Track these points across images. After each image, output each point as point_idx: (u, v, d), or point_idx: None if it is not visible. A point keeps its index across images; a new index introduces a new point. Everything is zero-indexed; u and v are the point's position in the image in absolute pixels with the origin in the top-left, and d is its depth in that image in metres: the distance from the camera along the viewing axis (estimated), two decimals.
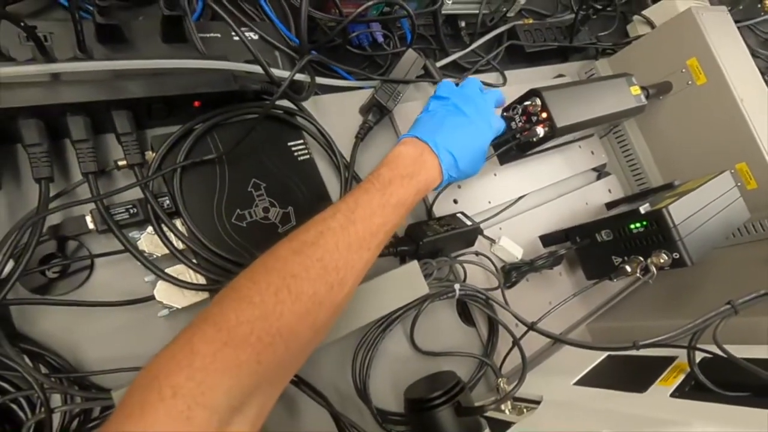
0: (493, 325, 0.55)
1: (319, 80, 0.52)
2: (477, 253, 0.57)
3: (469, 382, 0.52)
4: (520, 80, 0.75)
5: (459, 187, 0.60)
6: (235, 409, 0.26)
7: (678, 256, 0.49)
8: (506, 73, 0.74)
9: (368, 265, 0.37)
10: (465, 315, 0.56)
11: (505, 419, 0.45)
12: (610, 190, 0.78)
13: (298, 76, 0.49)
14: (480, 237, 0.58)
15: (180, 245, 0.40)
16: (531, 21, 0.81)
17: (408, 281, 0.48)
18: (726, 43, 0.74)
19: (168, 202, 0.40)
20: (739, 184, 0.71)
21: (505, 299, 0.54)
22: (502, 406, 0.47)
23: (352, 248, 0.34)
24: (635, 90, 0.67)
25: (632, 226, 0.53)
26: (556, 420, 0.40)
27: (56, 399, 0.35)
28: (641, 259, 0.52)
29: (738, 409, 0.35)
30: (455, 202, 0.59)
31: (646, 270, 0.51)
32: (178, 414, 0.24)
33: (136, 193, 0.40)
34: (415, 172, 0.41)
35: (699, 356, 0.41)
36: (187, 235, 0.40)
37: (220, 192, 0.43)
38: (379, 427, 0.46)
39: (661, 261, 0.50)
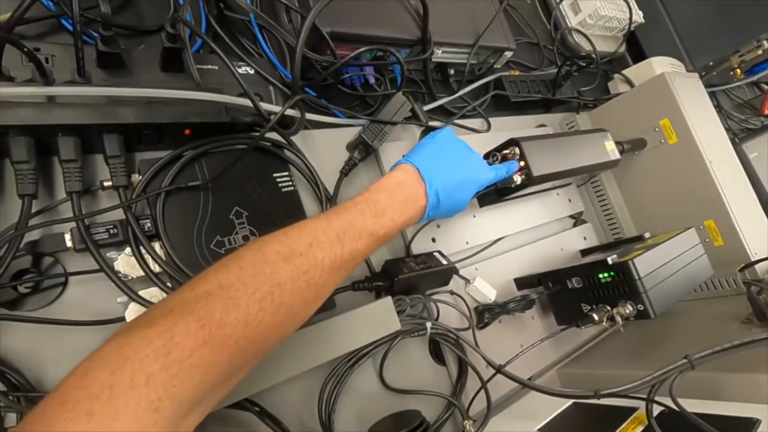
0: (462, 365, 0.55)
1: (309, 116, 0.54)
2: (452, 293, 0.58)
3: (435, 422, 0.52)
4: (504, 127, 0.79)
5: (438, 226, 0.62)
6: (196, 403, 0.27)
7: (642, 308, 0.51)
8: (491, 119, 0.78)
9: (339, 283, 0.37)
10: (436, 354, 0.57)
11: None
12: (585, 238, 0.80)
13: (289, 111, 0.51)
14: (455, 276, 0.60)
15: (156, 268, 0.40)
16: (517, 73, 0.86)
17: (380, 317, 0.49)
18: (696, 107, 0.79)
19: (149, 224, 0.41)
20: (707, 240, 0.74)
21: (475, 340, 0.55)
22: None
23: (334, 267, 0.35)
24: (610, 145, 0.71)
25: (600, 276, 0.55)
26: None
27: (11, 418, 0.34)
28: (608, 308, 0.54)
29: None
30: (433, 240, 0.61)
31: (612, 319, 0.53)
32: (148, 403, 0.24)
33: (118, 214, 0.40)
34: (407, 210, 0.42)
35: (657, 410, 0.42)
36: (164, 258, 0.41)
37: (202, 218, 0.44)
38: None
39: (626, 311, 0.52)
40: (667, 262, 0.56)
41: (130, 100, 0.40)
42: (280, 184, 0.50)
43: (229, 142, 0.46)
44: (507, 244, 0.70)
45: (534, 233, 0.74)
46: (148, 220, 0.41)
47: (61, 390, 0.24)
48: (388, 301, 0.50)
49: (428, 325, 0.51)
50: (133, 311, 0.39)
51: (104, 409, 0.22)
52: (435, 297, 0.55)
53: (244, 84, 0.43)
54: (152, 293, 0.40)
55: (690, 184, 0.76)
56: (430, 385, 0.54)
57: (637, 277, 0.51)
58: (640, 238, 0.69)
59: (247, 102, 0.45)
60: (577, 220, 0.82)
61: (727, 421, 0.39)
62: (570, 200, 0.81)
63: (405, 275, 0.51)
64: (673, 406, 0.40)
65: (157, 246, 0.41)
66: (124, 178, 0.40)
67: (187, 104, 0.43)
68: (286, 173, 0.50)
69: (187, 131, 0.44)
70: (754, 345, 0.43)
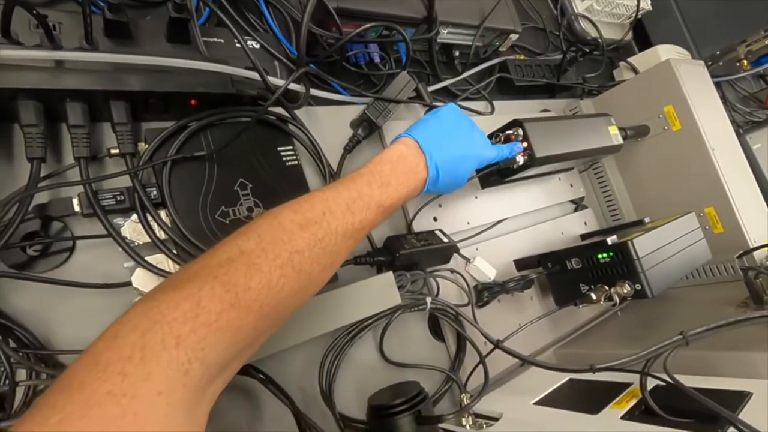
0: (461, 341, 0.56)
1: (314, 92, 0.54)
2: (452, 271, 0.58)
3: (434, 395, 0.53)
4: (507, 111, 0.79)
5: (440, 206, 0.63)
6: (223, 367, 0.28)
7: (640, 288, 0.52)
8: (495, 103, 0.78)
9: (349, 253, 0.38)
10: (436, 330, 0.58)
11: None
12: (585, 223, 0.81)
13: (294, 86, 0.51)
14: (456, 255, 0.60)
15: (162, 235, 0.41)
16: (522, 57, 0.86)
17: (381, 291, 0.50)
18: (701, 94, 0.78)
19: (155, 193, 0.42)
20: (707, 227, 0.75)
21: (474, 317, 0.56)
22: (463, 421, 0.49)
23: (347, 236, 0.35)
24: (613, 129, 0.71)
25: (600, 256, 0.55)
26: None
27: (21, 374, 0.35)
28: (606, 288, 0.54)
29: None
30: (435, 219, 0.62)
31: (610, 299, 0.53)
32: (178, 365, 0.24)
33: (125, 182, 0.41)
34: (409, 182, 0.42)
35: (652, 384, 0.43)
36: (170, 226, 0.42)
37: (207, 188, 0.44)
38: None
39: (624, 291, 0.52)
40: (665, 244, 0.57)
41: (137, 67, 0.40)
42: (284, 158, 0.50)
43: (235, 114, 0.46)
44: (508, 226, 0.70)
45: (535, 216, 0.75)
46: (155, 188, 0.42)
47: (92, 352, 0.24)
48: (389, 275, 0.51)
49: (428, 300, 0.52)
50: (139, 276, 0.39)
51: (137, 369, 0.23)
52: (435, 274, 0.56)
53: (252, 55, 0.44)
54: (158, 259, 0.41)
55: (692, 172, 0.76)
56: (429, 360, 0.55)
57: (635, 257, 0.52)
58: (640, 223, 0.70)
59: (252, 74, 0.46)
60: (578, 205, 0.82)
61: (718, 394, 0.40)
62: (572, 185, 0.81)
63: (406, 251, 0.51)
64: (668, 380, 0.40)
65: (163, 214, 0.42)
66: (130, 146, 0.40)
67: (193, 74, 0.43)
68: (291, 147, 0.51)
69: (193, 102, 0.44)
70: (749, 323, 0.44)
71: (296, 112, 0.53)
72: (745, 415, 0.36)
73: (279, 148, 0.50)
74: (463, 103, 0.74)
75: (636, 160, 0.83)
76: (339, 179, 0.40)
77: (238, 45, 0.50)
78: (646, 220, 0.70)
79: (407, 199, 0.44)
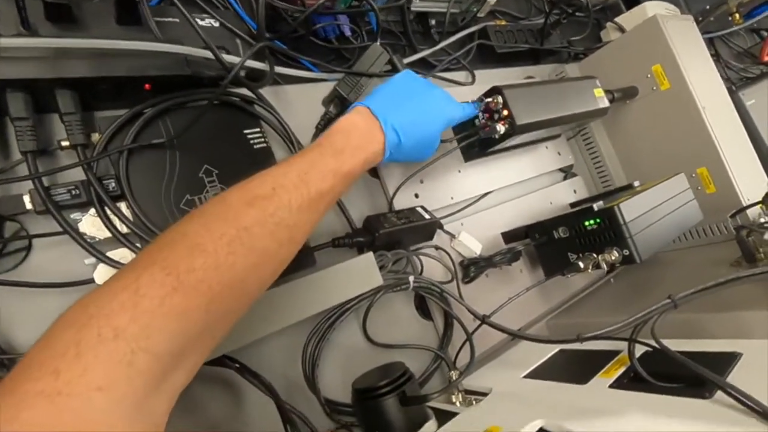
0: (448, 318, 0.55)
1: (280, 70, 0.52)
2: (436, 248, 0.57)
3: (422, 375, 0.52)
4: (489, 80, 0.76)
5: (421, 182, 0.61)
6: (177, 356, 0.26)
7: (628, 253, 0.50)
8: (476, 72, 0.75)
9: (313, 227, 0.37)
10: (423, 309, 0.57)
11: (453, 410, 0.45)
12: (575, 191, 0.79)
13: (256, 64, 0.49)
14: (440, 231, 0.59)
15: (124, 229, 0.39)
16: (503, 22, 0.82)
17: (362, 272, 0.48)
18: (690, 51, 0.75)
19: (114, 184, 0.40)
20: (699, 187, 0.73)
21: (460, 293, 0.54)
22: (453, 398, 0.48)
23: (303, 209, 0.34)
24: (599, 92, 0.68)
25: (587, 223, 0.54)
26: (498, 410, 0.41)
27: None
28: (594, 255, 0.53)
29: (671, 398, 0.35)
30: (416, 196, 0.60)
31: (598, 266, 0.52)
32: (119, 357, 0.23)
33: (80, 175, 0.39)
34: (364, 145, 0.41)
35: (640, 351, 0.42)
36: (131, 219, 0.40)
37: (170, 177, 0.42)
38: (327, 418, 0.45)
39: (612, 258, 0.51)
40: (654, 207, 0.55)
41: (81, 52, 0.38)
42: (251, 141, 0.48)
43: (193, 97, 0.44)
44: (494, 198, 0.68)
45: (522, 187, 0.73)
46: (113, 180, 0.40)
47: (28, 355, 0.23)
48: (369, 256, 0.49)
49: (411, 279, 0.50)
50: (101, 273, 0.38)
51: (71, 366, 0.22)
52: (418, 252, 0.54)
53: (201, 32, 0.41)
54: (121, 254, 0.39)
55: (682, 132, 0.74)
56: (417, 340, 0.54)
57: (622, 222, 0.50)
58: (629, 187, 0.68)
59: (208, 54, 0.43)
60: (567, 173, 0.80)
61: (708, 357, 0.39)
62: (559, 153, 0.79)
63: (386, 230, 0.50)
64: (656, 346, 0.39)
65: (123, 206, 0.40)
66: (81, 137, 0.38)
67: (144, 56, 0.40)
68: (258, 129, 0.49)
69: (147, 86, 0.42)
70: (740, 282, 0.43)
71: (262, 92, 0.51)
72: (734, 376, 0.35)
73: (245, 131, 0.48)
74: (442, 74, 0.71)
75: (625, 124, 0.80)
76: (294, 154, 0.39)
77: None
78: (636, 184, 0.68)
79: (369, 164, 0.43)
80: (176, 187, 0.42)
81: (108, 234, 0.39)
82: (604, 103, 0.68)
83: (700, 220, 0.63)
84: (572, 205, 0.76)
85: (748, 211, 0.70)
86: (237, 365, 0.40)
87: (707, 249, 0.72)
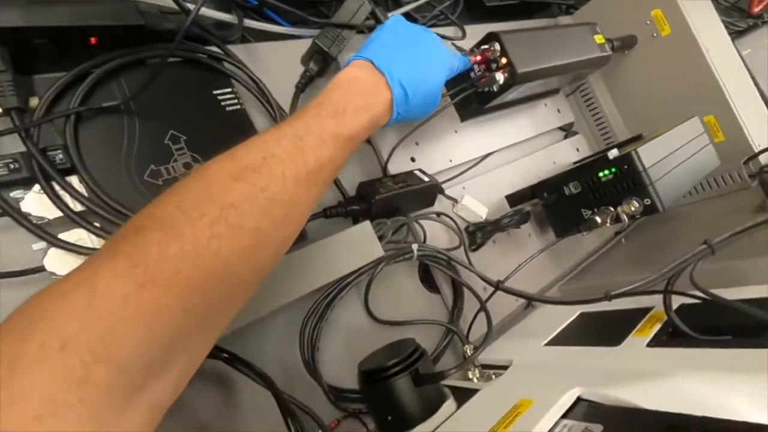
0: (457, 288, 0.50)
1: (251, 24, 0.46)
2: (438, 214, 0.52)
3: (434, 352, 0.48)
4: (480, 35, 0.70)
5: (417, 144, 0.55)
6: (152, 366, 0.21)
7: (649, 202, 0.46)
8: (466, 28, 0.69)
9: (315, 202, 0.32)
10: (428, 281, 0.52)
11: (471, 387, 0.40)
12: (578, 149, 0.75)
13: (223, 16, 0.43)
14: (441, 197, 0.54)
15: (78, 206, 0.34)
16: None
17: (360, 243, 0.43)
18: None
19: (61, 156, 0.34)
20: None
21: (469, 259, 0.50)
22: (469, 374, 0.43)
23: (300, 181, 0.29)
24: (599, 39, 0.63)
25: (601, 174, 0.49)
26: (525, 382, 0.36)
27: None
28: (611, 209, 0.49)
29: (719, 351, 0.31)
30: (413, 160, 0.54)
31: (617, 219, 0.48)
32: (68, 371, 0.18)
33: (20, 146, 0.33)
34: (370, 105, 0.36)
35: (676, 304, 0.38)
36: (86, 194, 0.34)
37: (129, 145, 0.37)
38: (333, 406, 0.41)
39: (632, 209, 0.46)
40: (672, 152, 0.51)
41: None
42: (222, 103, 0.42)
43: (144, 54, 0.38)
44: (495, 160, 0.64)
45: (523, 148, 0.68)
46: (60, 151, 0.34)
47: None
48: (366, 225, 0.44)
49: (414, 247, 0.45)
50: (53, 258, 0.32)
51: (4, 389, 0.17)
52: (420, 218, 0.49)
53: None
54: (77, 236, 0.33)
55: (686, 79, 0.70)
56: (425, 314, 0.49)
57: (641, 169, 0.46)
58: (638, 138, 0.63)
59: (164, 1, 0.37)
60: (568, 131, 0.76)
61: (755, 303, 0.34)
62: (559, 111, 0.74)
63: (383, 195, 0.45)
64: (696, 295, 0.35)
65: (75, 180, 0.34)
66: (14, 99, 0.32)
67: (87, 4, 0.34)
68: (230, 90, 0.43)
69: (93, 40, 0.36)
70: None
71: (235, 51, 0.45)
72: None
73: (215, 92, 0.42)
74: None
75: (625, 76, 0.76)
76: (285, 118, 0.33)
77: None
78: (644, 134, 0.64)
79: (375, 127, 0.37)
80: (138, 156, 0.37)
81: (59, 213, 0.33)
82: (606, 50, 0.63)
83: (717, 166, 0.59)
84: (576, 164, 0.72)
85: (760, 157, 0.66)
86: (225, 355, 0.35)
87: (721, 200, 0.68)
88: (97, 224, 0.34)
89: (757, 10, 1.33)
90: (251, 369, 0.36)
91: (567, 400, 0.30)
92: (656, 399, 0.27)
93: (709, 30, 0.71)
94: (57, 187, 0.33)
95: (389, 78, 0.37)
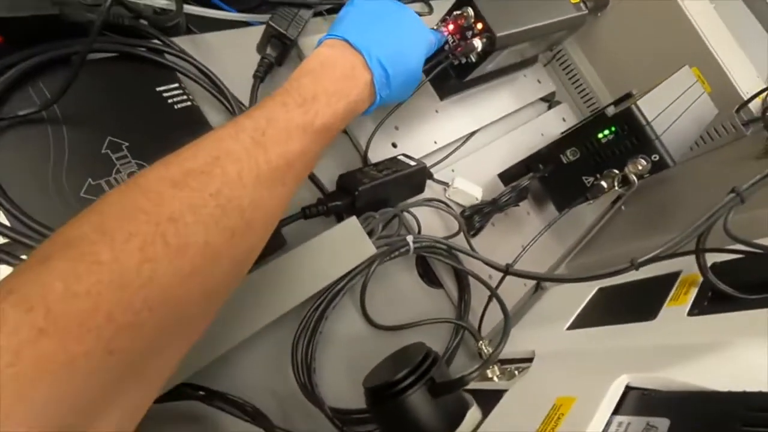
0: (461, 279, 0.45)
1: (191, 10, 0.40)
2: (431, 200, 0.47)
3: (445, 353, 0.43)
4: (447, 8, 0.66)
5: (396, 128, 0.50)
6: (68, 427, 0.16)
7: (657, 158, 0.42)
8: (432, 3, 0.65)
9: (283, 205, 0.27)
10: (428, 276, 0.47)
11: (494, 388, 0.35)
12: (564, 119, 0.71)
13: (160, 3, 0.37)
14: (431, 183, 0.49)
15: None
16: None
17: (348, 242, 0.38)
18: None
19: None
20: None
21: (470, 244, 0.45)
22: (489, 373, 0.38)
23: (262, 181, 0.25)
24: None
25: (600, 135, 0.45)
26: (557, 376, 0.32)
27: None
28: (616, 171, 0.45)
29: None
30: (394, 146, 0.49)
31: (624, 182, 0.44)
32: None
33: None
34: (346, 90, 0.31)
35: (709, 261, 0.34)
36: (8, 224, 0.28)
37: (58, 159, 0.30)
38: None
39: (640, 168, 0.43)
40: (671, 104, 0.47)
41: None
42: (169, 100, 0.36)
43: (60, 50, 0.32)
44: (481, 138, 0.59)
45: (508, 123, 0.64)
46: None
47: None
48: (353, 221, 0.39)
49: (410, 239, 0.40)
50: None
51: None
52: (411, 207, 0.44)
53: None
54: (2, 273, 0.27)
55: (664, 33, 0.67)
56: (429, 313, 0.44)
57: (645, 123, 0.42)
58: (628, 96, 0.60)
59: None
60: (551, 101, 0.72)
61: None
62: (539, 81, 0.70)
63: (367, 186, 0.39)
64: (734, 248, 0.31)
65: None
66: None
67: None
68: (176, 84, 0.37)
69: None
70: None
71: (179, 43, 0.39)
72: None
73: (159, 89, 0.36)
74: None
75: (601, 38, 0.73)
76: (244, 111, 0.28)
77: None
78: (634, 91, 0.60)
79: (353, 113, 0.32)
80: (70, 170, 0.30)
81: None
82: (581, 9, 0.60)
83: (716, 114, 0.56)
84: (564, 133, 0.68)
85: (750, 105, 0.64)
86: (201, 393, 0.29)
87: (717, 153, 0.66)
88: (24, 257, 0.27)
89: None
90: (234, 405, 0.30)
91: (615, 392, 0.25)
92: (725, 378, 0.22)
93: None
94: None
95: (367, 57, 0.33)
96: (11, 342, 0.15)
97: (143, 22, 0.37)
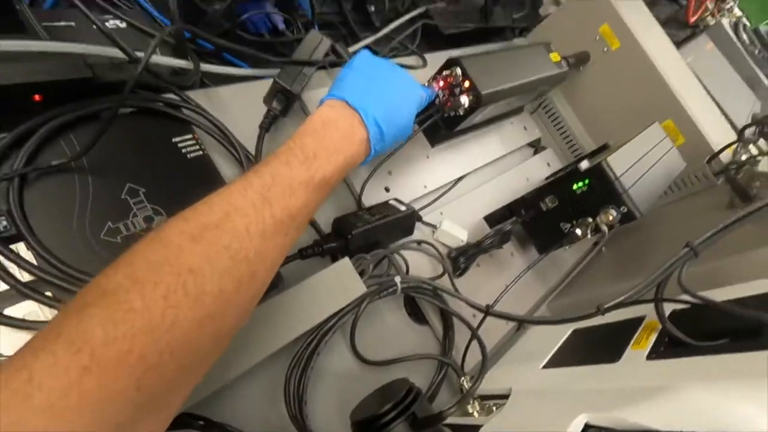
0: (447, 318, 0.48)
1: (207, 68, 0.45)
2: (419, 242, 0.51)
3: (429, 388, 0.45)
4: (441, 62, 0.72)
5: (389, 173, 0.55)
6: None
7: (626, 210, 0.46)
8: (426, 56, 0.70)
9: (284, 253, 0.30)
10: (416, 314, 0.50)
11: (473, 423, 0.38)
12: (549, 164, 0.75)
13: (177, 62, 0.42)
14: (420, 225, 0.53)
15: (26, 276, 0.31)
16: (443, 4, 0.79)
17: (340, 282, 0.41)
18: (631, 6, 0.75)
19: (5, 223, 0.31)
20: None
21: (454, 285, 0.48)
22: (469, 408, 0.41)
23: (267, 234, 0.28)
24: (555, 57, 0.66)
25: (575, 187, 0.49)
26: (528, 412, 0.34)
27: None
28: (590, 220, 0.48)
29: (721, 357, 0.30)
30: (387, 190, 0.53)
31: (596, 230, 0.47)
32: None
33: None
34: (345, 147, 0.35)
35: (668, 310, 0.37)
36: (35, 262, 0.31)
37: (82, 204, 0.34)
38: None
39: (610, 218, 0.46)
40: (640, 159, 0.51)
41: None
42: (183, 150, 0.40)
43: (92, 108, 0.36)
44: (469, 182, 0.63)
45: (495, 168, 0.68)
46: (3, 217, 0.31)
47: None
48: (345, 262, 0.42)
49: (397, 280, 0.43)
50: (1, 337, 0.29)
51: None
52: (400, 249, 0.48)
53: (101, 25, 0.34)
54: (27, 309, 0.30)
55: (640, 88, 0.73)
56: (416, 349, 0.47)
57: (614, 178, 0.46)
58: (604, 147, 0.64)
59: (111, 50, 0.35)
60: (537, 147, 0.77)
61: (747, 302, 0.34)
62: (525, 128, 0.75)
63: (360, 229, 0.43)
64: (687, 299, 0.34)
65: (22, 248, 0.31)
66: None
67: (29, 61, 0.32)
68: (190, 136, 0.41)
69: (36, 97, 0.34)
70: (756, 216, 0.39)
71: (194, 97, 0.44)
72: None
73: (175, 140, 0.40)
74: (392, 60, 0.66)
75: (583, 90, 0.78)
76: (251, 167, 0.32)
77: (95, 27, 0.40)
78: (610, 143, 0.65)
79: (349, 168, 0.36)
80: (92, 214, 0.34)
81: (4, 286, 0.30)
82: (562, 66, 0.66)
83: (684, 167, 0.60)
84: (548, 178, 0.72)
85: (722, 156, 0.68)
86: (201, 422, 0.32)
87: (690, 201, 0.70)
88: (48, 293, 0.31)
89: (693, 19, 1.43)
90: None
91: (574, 430, 0.28)
92: (668, 418, 0.25)
93: (655, 40, 0.75)
94: (1, 258, 0.30)
95: (364, 117, 0.37)
96: (61, 380, 0.18)
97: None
